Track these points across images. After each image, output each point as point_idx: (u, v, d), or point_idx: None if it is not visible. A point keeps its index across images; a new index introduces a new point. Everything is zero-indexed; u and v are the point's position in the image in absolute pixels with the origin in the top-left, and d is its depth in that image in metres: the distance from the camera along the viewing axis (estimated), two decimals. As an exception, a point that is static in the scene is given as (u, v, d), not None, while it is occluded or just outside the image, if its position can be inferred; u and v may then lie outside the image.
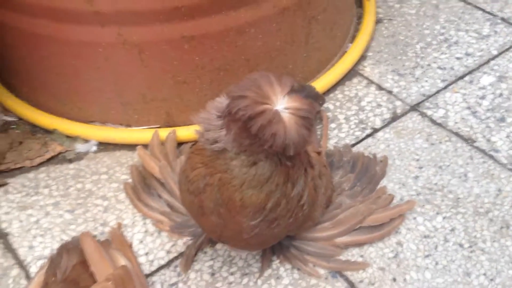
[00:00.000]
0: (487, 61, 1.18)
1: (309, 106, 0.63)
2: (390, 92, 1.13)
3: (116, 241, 0.86)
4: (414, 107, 1.09)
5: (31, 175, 0.99)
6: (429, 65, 1.18)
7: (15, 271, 0.86)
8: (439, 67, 1.18)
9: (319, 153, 0.91)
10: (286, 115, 0.61)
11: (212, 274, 0.84)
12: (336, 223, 0.88)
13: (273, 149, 0.63)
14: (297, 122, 0.62)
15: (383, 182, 0.96)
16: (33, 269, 0.85)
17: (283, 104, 0.62)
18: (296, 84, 0.65)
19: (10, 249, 0.88)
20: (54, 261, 0.82)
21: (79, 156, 1.02)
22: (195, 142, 0.81)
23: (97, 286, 0.72)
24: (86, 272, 0.78)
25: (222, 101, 0.67)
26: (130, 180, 0.97)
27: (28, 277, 0.84)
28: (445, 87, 1.13)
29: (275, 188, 0.70)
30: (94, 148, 1.03)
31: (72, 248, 0.83)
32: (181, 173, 0.77)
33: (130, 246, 0.88)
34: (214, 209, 0.72)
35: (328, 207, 0.90)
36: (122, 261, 0.81)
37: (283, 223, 0.75)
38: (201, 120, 0.68)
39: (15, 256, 0.87)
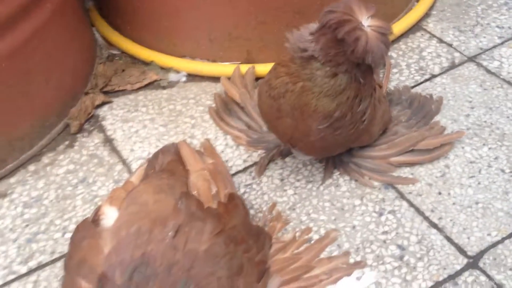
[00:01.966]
0: (545, 22, 1.27)
1: (388, 27, 0.77)
2: (450, 45, 1.24)
3: (206, 149, 1.01)
4: (471, 58, 1.20)
5: (131, 96, 1.17)
6: (488, 24, 1.28)
7: (119, 167, 1.04)
8: (497, 26, 1.27)
9: (380, 86, 1.03)
10: (368, 30, 0.76)
11: (281, 180, 0.99)
12: (391, 145, 1.00)
13: (355, 55, 0.77)
14: (377, 37, 0.77)
15: (437, 118, 1.07)
16: (134, 166, 1.03)
17: (366, 23, 0.76)
18: None
19: (115, 151, 1.06)
20: (151, 160, 0.98)
21: (171, 84, 1.19)
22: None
23: (195, 173, 0.87)
24: (180, 166, 0.94)
25: (314, 25, 0.81)
26: (213, 105, 1.13)
27: (129, 171, 1.02)
28: (502, 43, 1.23)
29: (345, 101, 0.84)
30: (184, 78, 1.20)
31: (166, 151, 0.99)
32: (264, 82, 0.91)
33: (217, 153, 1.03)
34: (290, 112, 0.86)
35: (385, 133, 1.03)
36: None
37: (345, 132, 0.88)
38: (295, 35, 0.82)
39: (119, 156, 1.05)
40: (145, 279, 0.67)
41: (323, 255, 0.87)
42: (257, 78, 1.16)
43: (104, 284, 0.68)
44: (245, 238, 0.80)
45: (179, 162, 0.93)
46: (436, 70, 1.18)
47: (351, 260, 0.86)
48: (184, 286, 0.68)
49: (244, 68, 1.17)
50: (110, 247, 0.73)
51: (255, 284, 0.77)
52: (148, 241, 0.73)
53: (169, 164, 0.94)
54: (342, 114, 0.85)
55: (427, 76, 1.17)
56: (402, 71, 1.19)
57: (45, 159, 1.04)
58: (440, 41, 1.25)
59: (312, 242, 0.89)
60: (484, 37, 1.25)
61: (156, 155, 0.98)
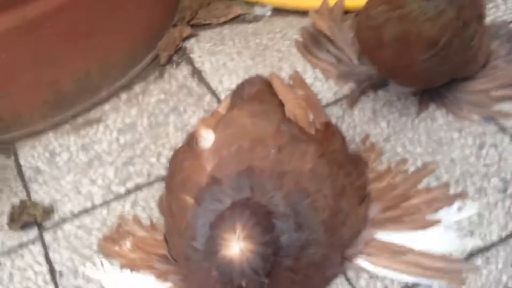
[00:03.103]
0: None
1: None
2: (551, -21, 1.16)
3: (296, 81, 0.99)
4: None
5: (217, 30, 1.16)
6: None
7: (208, 97, 1.04)
8: None
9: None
10: None
11: (374, 112, 0.97)
12: (492, 78, 0.96)
13: None
14: None
15: (539, 53, 1.01)
16: (222, 97, 1.03)
17: None
18: None
19: (204, 82, 1.06)
20: (237, 91, 0.97)
21: (256, 18, 1.18)
22: None
23: (289, 102, 0.86)
24: (267, 95, 0.93)
25: None
26: (301, 39, 1.11)
27: (218, 101, 1.02)
28: None
29: (447, 23, 0.80)
30: (269, 13, 1.18)
31: (252, 82, 0.98)
32: (362, 13, 0.89)
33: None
34: (391, 42, 0.83)
35: (484, 66, 0.98)
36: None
37: (453, 61, 0.85)
38: None
39: (208, 86, 1.05)
40: (254, 186, 0.67)
41: (420, 186, 0.85)
42: (345, 12, 1.13)
43: (212, 187, 0.68)
44: (345, 164, 0.79)
45: (266, 91, 0.92)
46: (537, 4, 1.11)
47: (451, 192, 0.84)
48: (300, 197, 0.68)
49: (332, 1, 1.13)
50: (213, 165, 0.73)
51: (357, 206, 0.76)
52: (251, 158, 0.72)
53: (256, 93, 0.93)
54: (448, 40, 0.81)
55: (527, 10, 1.10)
56: (498, 6, 1.12)
57: (137, 88, 1.06)
58: (541, -25, 1.17)
59: (409, 173, 0.87)
60: None
61: (241, 86, 0.96)
